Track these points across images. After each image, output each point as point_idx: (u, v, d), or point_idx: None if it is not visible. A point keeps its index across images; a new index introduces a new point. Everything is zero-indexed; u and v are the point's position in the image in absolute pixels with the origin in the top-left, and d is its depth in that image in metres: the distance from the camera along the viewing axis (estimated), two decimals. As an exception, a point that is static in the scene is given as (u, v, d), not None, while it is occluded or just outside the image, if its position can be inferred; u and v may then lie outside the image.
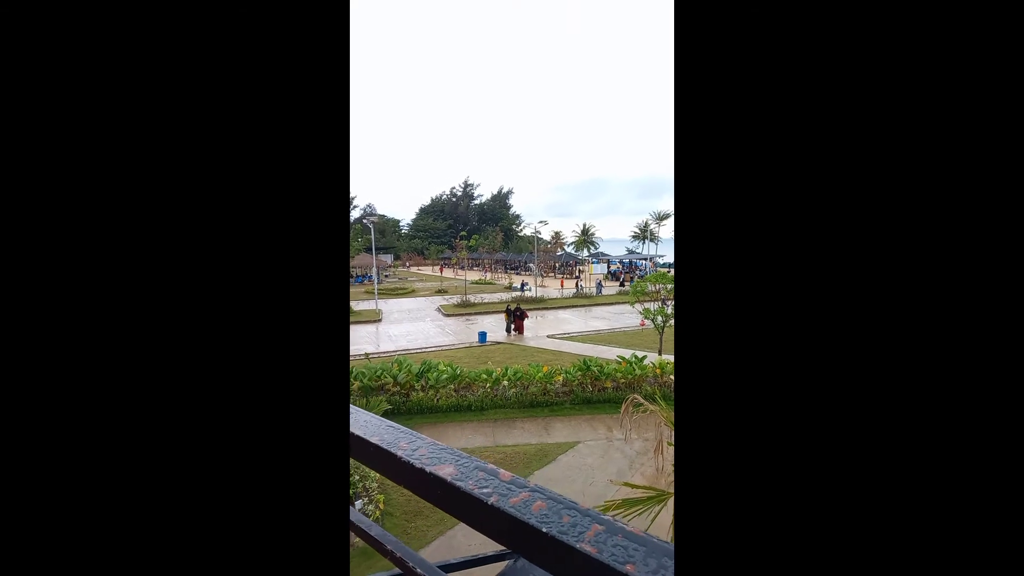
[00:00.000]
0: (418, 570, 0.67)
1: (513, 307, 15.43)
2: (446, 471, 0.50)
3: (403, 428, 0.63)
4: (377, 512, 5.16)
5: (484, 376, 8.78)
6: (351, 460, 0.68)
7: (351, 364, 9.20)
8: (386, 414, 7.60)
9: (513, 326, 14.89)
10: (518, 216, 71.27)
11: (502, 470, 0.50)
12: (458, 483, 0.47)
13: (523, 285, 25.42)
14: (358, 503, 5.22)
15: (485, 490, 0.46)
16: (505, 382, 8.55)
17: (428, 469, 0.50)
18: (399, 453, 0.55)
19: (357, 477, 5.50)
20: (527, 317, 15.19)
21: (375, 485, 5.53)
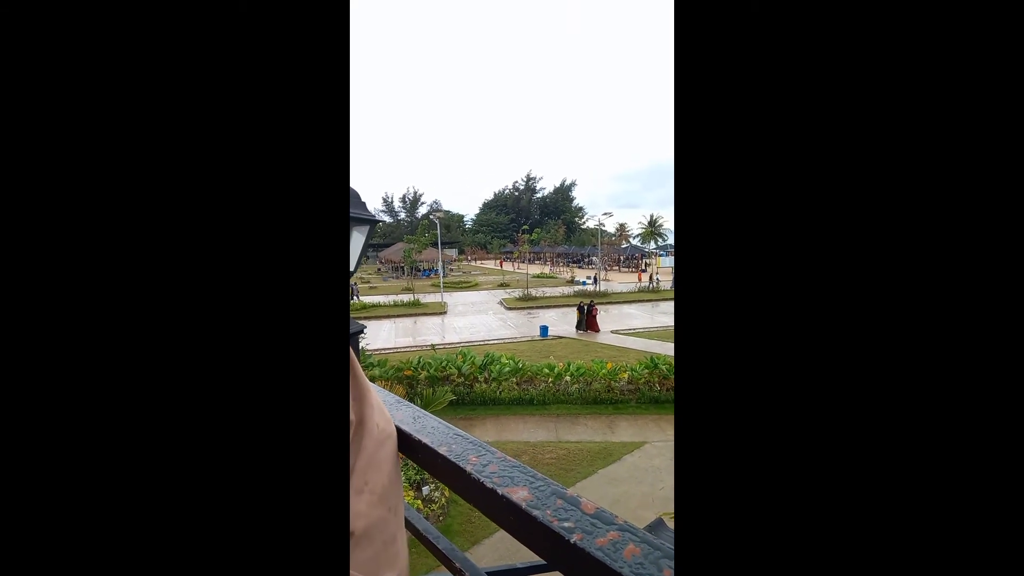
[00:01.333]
0: (463, 571, 0.62)
1: (585, 303, 15.11)
2: (520, 495, 0.44)
3: (472, 438, 0.58)
4: (443, 499, 5.34)
5: (546, 370, 8.73)
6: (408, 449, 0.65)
7: (418, 354, 9.61)
8: (451, 404, 7.84)
9: (586, 322, 14.58)
10: (581, 208, 70.11)
11: (584, 499, 0.43)
12: (534, 511, 0.42)
13: (594, 279, 24.86)
14: (425, 489, 5.43)
15: (566, 524, 0.40)
16: (568, 377, 8.45)
17: (500, 491, 0.45)
18: (468, 468, 0.51)
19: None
20: (597, 314, 14.73)
21: (441, 472, 5.74)
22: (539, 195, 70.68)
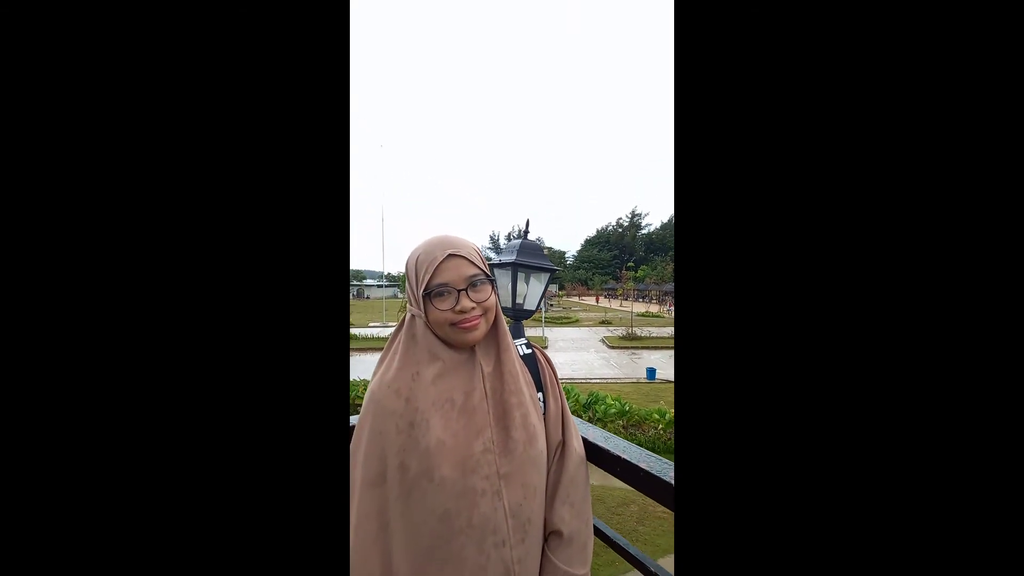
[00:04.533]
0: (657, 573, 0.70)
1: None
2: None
3: (661, 459, 0.70)
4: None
5: (656, 416, 8.24)
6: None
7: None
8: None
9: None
10: (690, 244, 65.72)
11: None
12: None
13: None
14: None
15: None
16: (679, 426, 7.84)
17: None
18: (673, 482, 0.62)
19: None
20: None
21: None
22: (645, 231, 68.59)
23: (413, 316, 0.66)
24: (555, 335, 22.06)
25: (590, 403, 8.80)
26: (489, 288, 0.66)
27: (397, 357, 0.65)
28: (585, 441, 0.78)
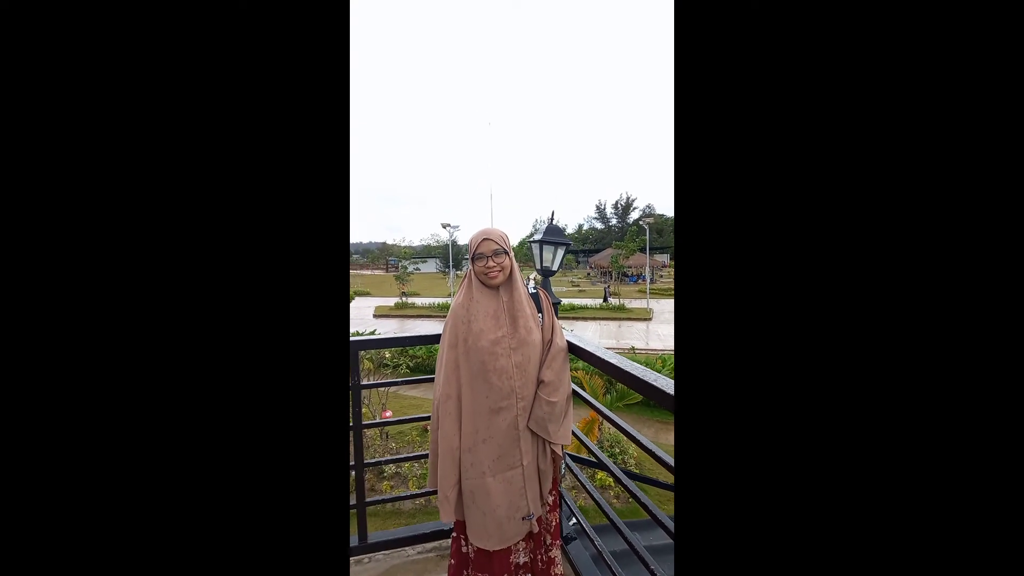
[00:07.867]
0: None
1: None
2: (660, 381, 1.09)
3: (619, 356, 1.25)
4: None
5: (757, 389, 7.87)
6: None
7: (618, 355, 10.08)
8: (645, 403, 8.11)
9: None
10: (835, 205, 55.30)
11: (650, 371, 1.04)
12: (666, 389, 1.06)
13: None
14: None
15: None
16: (784, 400, 7.42)
17: (648, 379, 1.11)
18: (628, 369, 1.17)
19: (618, 450, 6.29)
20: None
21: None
22: (774, 192, 59.64)
23: (470, 270, 1.31)
24: (661, 307, 21.42)
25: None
26: (505, 257, 1.26)
27: (464, 290, 1.31)
28: (569, 343, 1.38)
